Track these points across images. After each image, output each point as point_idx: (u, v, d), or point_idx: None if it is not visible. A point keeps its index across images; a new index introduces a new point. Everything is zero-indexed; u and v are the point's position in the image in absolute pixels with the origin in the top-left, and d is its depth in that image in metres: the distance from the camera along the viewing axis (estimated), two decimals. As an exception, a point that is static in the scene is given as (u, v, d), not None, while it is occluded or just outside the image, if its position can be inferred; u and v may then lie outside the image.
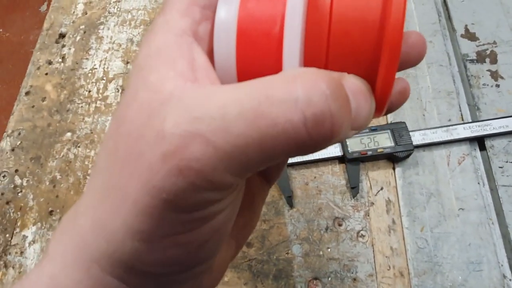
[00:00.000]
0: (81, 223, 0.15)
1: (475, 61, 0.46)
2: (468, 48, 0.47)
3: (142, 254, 0.14)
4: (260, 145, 0.12)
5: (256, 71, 0.15)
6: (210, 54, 0.15)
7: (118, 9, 0.54)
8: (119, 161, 0.13)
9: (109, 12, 0.54)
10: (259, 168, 0.13)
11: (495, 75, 0.45)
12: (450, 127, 0.41)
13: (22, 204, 0.43)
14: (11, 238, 0.41)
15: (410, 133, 0.40)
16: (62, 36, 0.53)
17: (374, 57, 0.14)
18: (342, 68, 0.14)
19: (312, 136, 0.12)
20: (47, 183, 0.43)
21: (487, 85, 0.44)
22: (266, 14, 0.14)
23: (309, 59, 0.14)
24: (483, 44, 0.47)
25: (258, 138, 0.12)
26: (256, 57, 0.14)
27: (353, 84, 0.13)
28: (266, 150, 0.12)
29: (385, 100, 0.15)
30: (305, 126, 0.12)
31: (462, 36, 0.47)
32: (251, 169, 0.13)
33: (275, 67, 0.14)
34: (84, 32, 0.53)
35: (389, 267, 0.37)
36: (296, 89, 0.12)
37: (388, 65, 0.13)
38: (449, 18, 0.49)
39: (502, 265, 0.36)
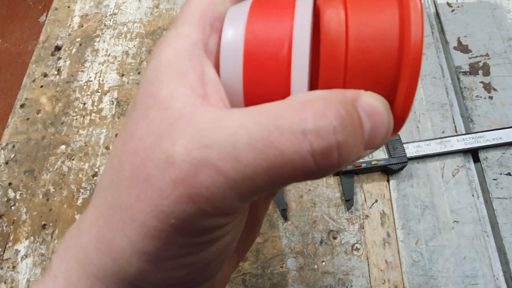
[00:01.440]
0: (85, 240, 0.15)
1: (468, 73, 0.46)
2: (461, 60, 0.47)
3: (147, 274, 0.14)
4: (268, 174, 0.12)
5: (263, 93, 0.14)
6: (218, 68, 0.15)
7: (114, 22, 0.55)
8: (125, 181, 0.13)
9: (105, 25, 0.54)
10: (267, 193, 0.13)
11: (488, 87, 0.45)
12: (444, 139, 0.41)
13: (15, 218, 0.42)
14: (3, 252, 0.41)
15: (404, 145, 0.41)
16: (58, 48, 0.53)
17: (394, 75, 0.13)
18: (360, 85, 0.14)
19: (319, 166, 0.12)
20: (41, 196, 0.43)
21: (480, 97, 0.44)
22: (274, 36, 0.14)
23: (326, 78, 0.14)
24: (476, 56, 0.47)
25: (267, 167, 0.12)
26: (264, 79, 0.14)
27: (368, 104, 0.13)
28: (274, 177, 0.12)
29: (404, 118, 0.14)
30: (313, 157, 0.12)
31: (455, 48, 0.48)
32: (259, 194, 0.13)
33: (283, 89, 0.14)
34: (80, 45, 0.53)
35: (384, 281, 0.36)
36: (305, 120, 0.12)
37: (409, 83, 0.13)
38: (441, 30, 0.50)
39: (497, 279, 0.36)
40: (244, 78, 0.14)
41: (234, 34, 0.14)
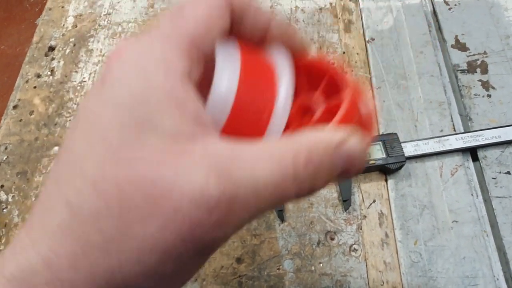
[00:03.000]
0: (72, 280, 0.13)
1: (466, 72, 0.46)
2: (459, 58, 0.47)
3: None
4: (272, 206, 0.16)
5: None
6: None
7: (109, 21, 0.54)
8: (137, 210, 0.13)
9: (99, 25, 0.54)
10: None
11: (486, 85, 0.44)
12: (442, 138, 0.41)
13: (7, 221, 0.41)
14: (-5, 256, 0.40)
15: (402, 145, 0.40)
16: (51, 49, 0.53)
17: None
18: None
19: (298, 197, 0.16)
20: (33, 198, 0.42)
21: (479, 95, 0.44)
22: (258, 102, 0.17)
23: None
24: (474, 55, 0.47)
25: (274, 202, 0.15)
26: (243, 131, 0.17)
27: (350, 149, 0.16)
28: (273, 207, 0.17)
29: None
30: (296, 196, 0.16)
31: (452, 46, 0.47)
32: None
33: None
34: (74, 45, 0.53)
35: (383, 282, 0.36)
36: (297, 170, 0.15)
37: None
38: (439, 29, 0.49)
39: (497, 279, 0.35)
40: (226, 124, 0.17)
41: (227, 87, 0.16)
